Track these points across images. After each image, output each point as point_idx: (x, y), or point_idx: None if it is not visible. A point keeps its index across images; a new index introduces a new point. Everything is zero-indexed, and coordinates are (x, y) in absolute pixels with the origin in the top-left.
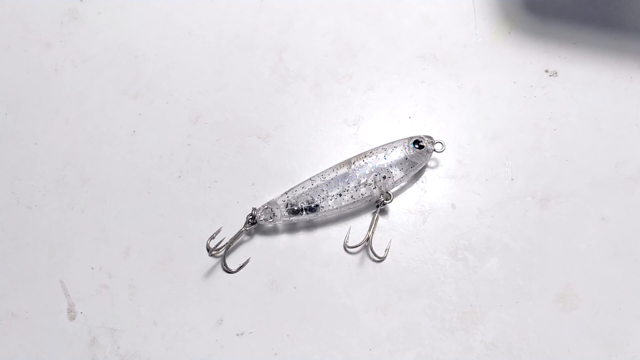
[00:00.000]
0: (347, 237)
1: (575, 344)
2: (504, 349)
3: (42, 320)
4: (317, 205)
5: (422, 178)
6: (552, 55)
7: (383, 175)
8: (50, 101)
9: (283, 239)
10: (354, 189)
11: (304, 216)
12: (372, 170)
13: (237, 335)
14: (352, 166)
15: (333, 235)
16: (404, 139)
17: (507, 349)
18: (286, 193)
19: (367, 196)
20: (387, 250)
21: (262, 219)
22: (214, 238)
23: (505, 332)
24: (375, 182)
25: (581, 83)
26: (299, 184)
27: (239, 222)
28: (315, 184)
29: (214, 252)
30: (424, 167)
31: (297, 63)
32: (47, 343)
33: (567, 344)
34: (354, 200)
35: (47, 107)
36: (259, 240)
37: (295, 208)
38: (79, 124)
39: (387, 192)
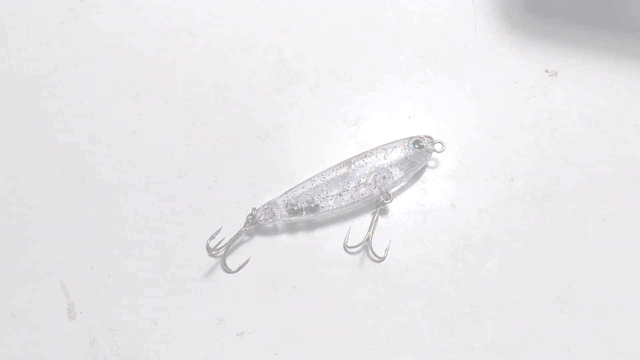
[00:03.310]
0: (347, 237)
1: (575, 344)
2: (504, 349)
3: (42, 320)
4: (317, 205)
5: (422, 178)
6: (552, 55)
7: (383, 175)
8: (50, 101)
9: (283, 239)
10: (354, 189)
11: (304, 216)
12: (372, 170)
13: (237, 335)
14: (352, 166)
15: (333, 235)
16: (404, 139)
17: (507, 349)
18: (286, 193)
19: (367, 196)
20: (387, 250)
21: (262, 219)
22: (214, 238)
23: (505, 332)
24: (375, 182)
25: (581, 83)
26: (299, 184)
27: (239, 222)
28: (315, 184)
29: (214, 252)
30: (424, 167)
31: (297, 63)
32: (47, 343)
33: (567, 344)
34: (353, 200)
35: (47, 107)
36: (259, 240)
37: (295, 208)
38: (79, 124)
39: (387, 192)
